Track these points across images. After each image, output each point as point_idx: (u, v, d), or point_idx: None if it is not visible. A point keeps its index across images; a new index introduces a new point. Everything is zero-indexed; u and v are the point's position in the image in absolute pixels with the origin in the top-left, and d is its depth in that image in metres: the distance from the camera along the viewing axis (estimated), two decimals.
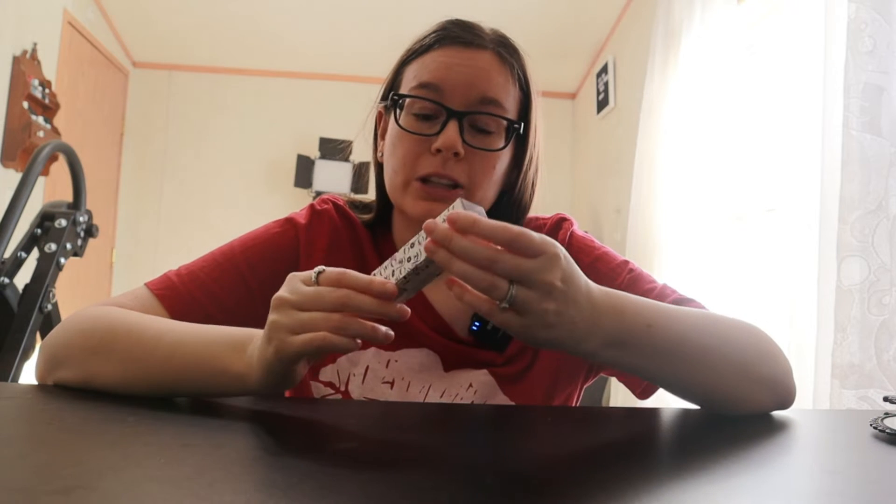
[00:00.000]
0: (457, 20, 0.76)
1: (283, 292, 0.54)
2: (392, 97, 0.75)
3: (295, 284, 0.54)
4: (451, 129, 0.70)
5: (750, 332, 0.67)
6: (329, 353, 0.53)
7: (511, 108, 0.74)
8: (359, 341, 0.52)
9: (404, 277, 0.53)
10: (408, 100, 0.73)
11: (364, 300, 0.51)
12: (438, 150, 0.70)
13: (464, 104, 0.71)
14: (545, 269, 0.49)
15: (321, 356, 0.56)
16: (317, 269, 0.54)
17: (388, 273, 0.54)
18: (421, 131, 0.72)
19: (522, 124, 0.75)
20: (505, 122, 0.73)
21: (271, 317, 0.53)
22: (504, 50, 0.74)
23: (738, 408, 0.64)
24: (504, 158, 0.74)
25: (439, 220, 0.51)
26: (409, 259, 0.53)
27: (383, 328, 0.52)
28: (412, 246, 0.53)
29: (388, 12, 3.63)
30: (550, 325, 0.51)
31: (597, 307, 0.54)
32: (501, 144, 0.73)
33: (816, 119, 1.47)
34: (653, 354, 0.58)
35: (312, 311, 0.52)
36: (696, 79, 2.35)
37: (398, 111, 0.74)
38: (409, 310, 0.53)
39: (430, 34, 0.75)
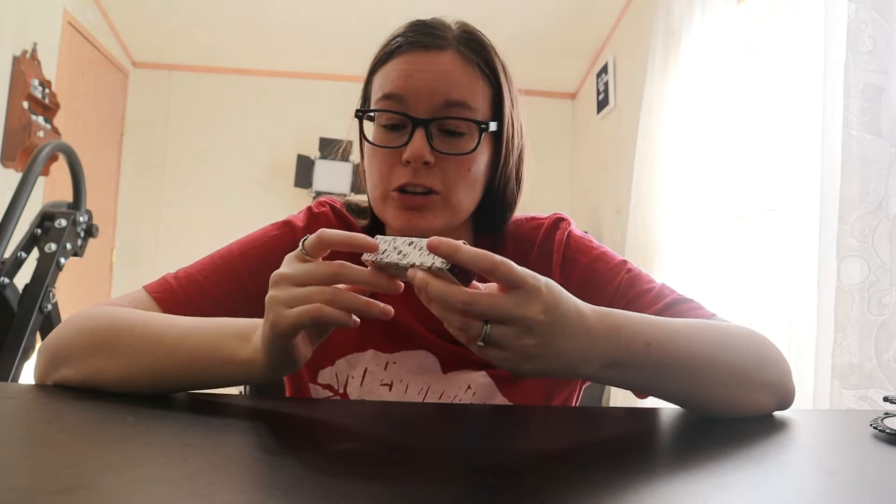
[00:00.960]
0: (418, 22, 0.74)
1: (280, 269, 0.55)
2: (356, 113, 0.74)
3: (291, 261, 0.55)
4: (418, 138, 0.69)
5: (750, 338, 0.66)
6: (325, 325, 0.54)
7: (480, 105, 0.72)
8: (356, 318, 0.52)
9: (386, 263, 0.53)
10: (375, 112, 0.72)
11: (357, 271, 0.52)
12: (409, 161, 0.69)
13: (428, 110, 0.70)
14: (523, 303, 0.49)
15: (322, 332, 0.57)
16: (302, 238, 0.55)
17: (382, 248, 0.55)
18: (389, 143, 0.71)
19: (496, 122, 0.73)
20: (475, 123, 0.71)
21: (269, 293, 0.54)
22: (467, 47, 0.73)
23: (739, 413, 0.64)
24: (481, 157, 0.73)
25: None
26: (399, 252, 0.53)
27: (380, 304, 0.52)
28: (410, 244, 0.54)
29: (388, 12, 3.63)
30: (532, 357, 0.50)
31: (592, 331, 0.53)
32: (472, 146, 0.71)
33: (816, 119, 1.47)
34: (653, 372, 0.58)
35: (308, 286, 0.52)
36: (696, 79, 2.35)
37: (370, 123, 0.73)
38: (402, 285, 0.53)
39: (391, 41, 0.74)
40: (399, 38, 0.73)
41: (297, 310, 0.51)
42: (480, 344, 0.50)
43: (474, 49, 0.73)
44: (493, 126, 0.73)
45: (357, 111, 0.74)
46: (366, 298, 0.52)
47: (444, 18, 0.75)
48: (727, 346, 0.64)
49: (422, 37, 0.72)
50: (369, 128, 0.75)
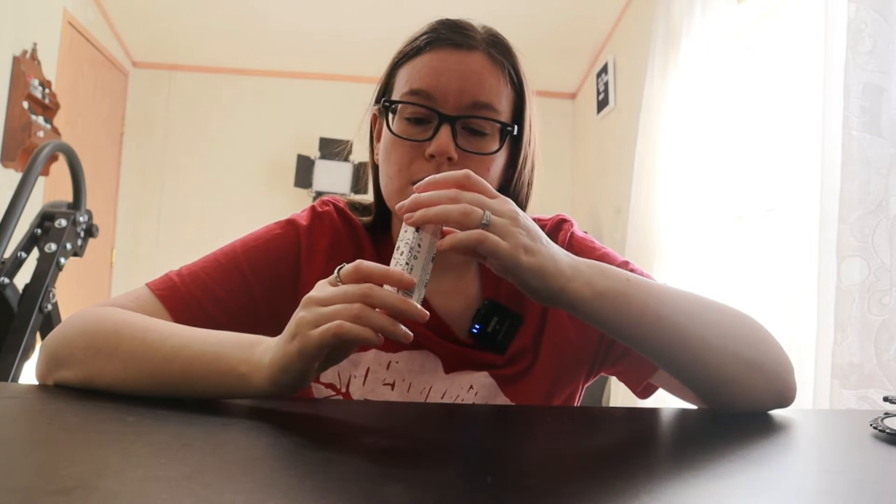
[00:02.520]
0: (448, 21, 0.74)
1: (311, 293, 0.55)
2: (384, 104, 0.74)
3: (322, 286, 0.55)
4: (444, 133, 0.69)
5: (743, 319, 0.68)
6: (349, 345, 0.53)
7: (504, 109, 0.73)
8: (381, 336, 0.52)
9: (406, 264, 0.55)
10: (400, 105, 0.72)
11: (385, 294, 0.52)
12: (432, 156, 0.70)
13: (456, 108, 0.70)
14: (505, 203, 0.58)
15: (344, 353, 0.56)
16: (338, 267, 0.55)
17: (394, 264, 0.56)
18: (414, 136, 0.71)
19: (516, 126, 0.74)
20: (498, 125, 0.72)
21: (296, 314, 0.54)
22: (496, 50, 0.73)
23: (733, 394, 0.64)
24: (499, 159, 0.74)
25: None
26: (402, 253, 0.56)
27: (404, 327, 0.52)
28: (398, 248, 0.57)
29: (388, 12, 3.63)
30: (529, 249, 0.56)
31: (572, 255, 0.61)
32: (495, 147, 0.72)
33: (816, 119, 1.47)
34: (640, 310, 0.61)
35: (336, 306, 0.52)
36: (696, 79, 2.35)
37: (391, 116, 0.73)
38: (427, 313, 0.53)
39: (420, 36, 0.74)
40: (429, 34, 0.73)
41: (320, 328, 0.51)
42: (485, 222, 0.55)
43: (502, 53, 0.74)
44: (516, 130, 0.74)
45: (385, 101, 0.74)
46: (390, 318, 0.52)
47: (469, 19, 0.76)
48: (717, 315, 0.66)
49: (453, 35, 0.72)
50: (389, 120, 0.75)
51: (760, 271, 2.07)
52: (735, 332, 0.65)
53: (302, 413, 0.61)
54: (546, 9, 3.65)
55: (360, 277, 0.53)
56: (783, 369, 0.66)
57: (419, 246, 0.57)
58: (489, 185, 0.59)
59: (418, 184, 0.59)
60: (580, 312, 0.60)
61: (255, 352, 0.56)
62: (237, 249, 0.75)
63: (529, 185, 0.80)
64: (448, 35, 0.72)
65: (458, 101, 0.70)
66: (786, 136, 1.78)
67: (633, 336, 0.62)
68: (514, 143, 0.76)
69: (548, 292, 0.58)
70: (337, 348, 0.54)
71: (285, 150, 4.44)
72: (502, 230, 0.55)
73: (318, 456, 0.45)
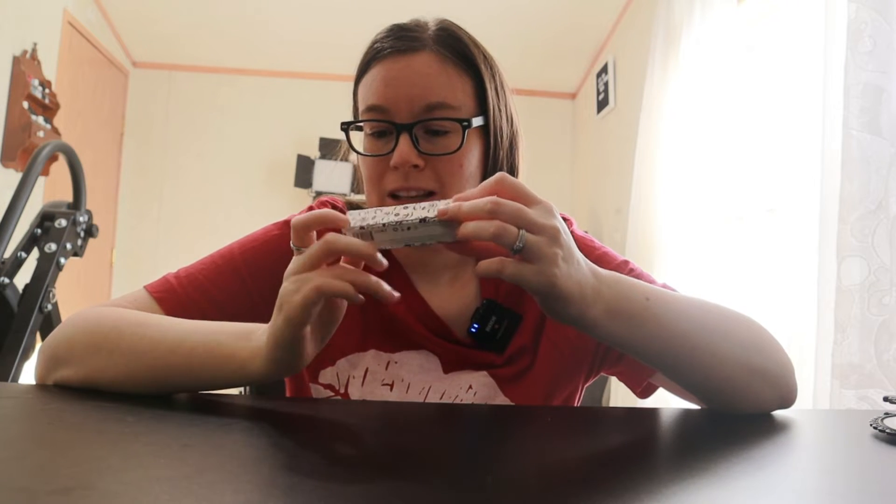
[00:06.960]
0: (392, 27, 0.74)
1: (288, 268, 0.55)
2: (342, 127, 0.75)
3: (293, 260, 0.55)
4: (403, 143, 0.69)
5: (749, 324, 0.68)
6: (336, 312, 0.53)
7: (462, 102, 0.72)
8: (361, 296, 0.51)
9: (383, 225, 0.53)
10: (361, 122, 0.73)
11: (346, 239, 0.52)
12: (397, 167, 0.70)
13: (410, 115, 0.70)
14: (546, 215, 0.52)
15: (331, 320, 0.56)
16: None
17: (370, 216, 0.54)
18: (377, 151, 0.72)
19: (482, 114, 0.73)
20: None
21: (280, 289, 0.54)
22: (442, 45, 0.72)
23: (739, 400, 0.64)
24: (472, 153, 0.73)
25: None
26: (396, 214, 0.54)
27: (386, 285, 0.52)
28: (405, 208, 0.54)
29: (389, 12, 3.63)
30: (561, 273, 0.52)
31: (597, 274, 0.57)
32: (458, 144, 0.71)
33: (816, 119, 1.47)
34: (653, 331, 0.59)
35: (311, 269, 0.53)
36: (696, 79, 2.35)
37: (358, 134, 0.74)
38: (385, 262, 0.53)
39: (369, 49, 0.75)
40: (376, 46, 0.74)
41: (302, 290, 0.51)
42: (519, 245, 0.50)
43: (450, 45, 0.73)
44: (477, 121, 0.73)
45: (342, 124, 0.75)
46: (369, 275, 0.52)
47: (422, 18, 0.75)
48: (728, 324, 0.65)
49: (396, 41, 0.72)
50: (359, 136, 0.75)
51: (760, 271, 2.07)
52: (743, 341, 0.65)
53: (301, 413, 0.61)
54: (546, 9, 3.65)
55: (302, 229, 0.55)
56: (786, 372, 0.67)
57: (408, 229, 0.53)
58: (526, 189, 0.53)
59: (458, 195, 0.54)
60: (594, 334, 0.58)
61: (253, 338, 0.57)
62: (234, 251, 0.76)
63: (511, 169, 0.79)
64: (391, 43, 0.72)
65: (411, 107, 0.70)
66: (786, 136, 1.78)
67: (645, 353, 0.61)
68: (486, 131, 0.75)
69: (566, 317, 0.56)
70: (328, 322, 0.55)
71: (285, 150, 4.44)
72: (537, 252, 0.51)
73: (317, 456, 0.45)
